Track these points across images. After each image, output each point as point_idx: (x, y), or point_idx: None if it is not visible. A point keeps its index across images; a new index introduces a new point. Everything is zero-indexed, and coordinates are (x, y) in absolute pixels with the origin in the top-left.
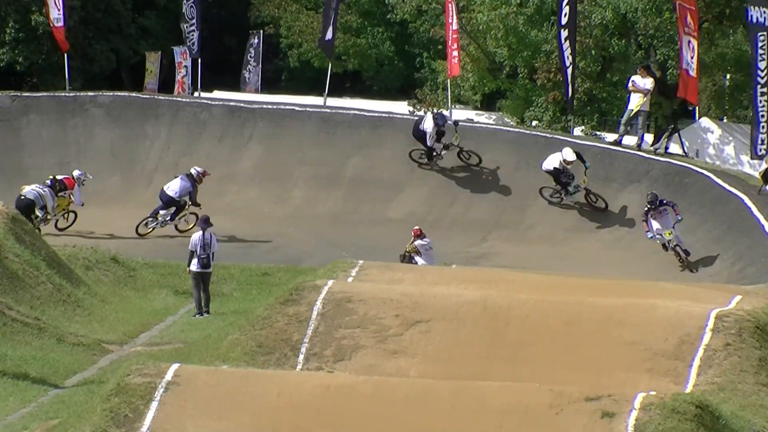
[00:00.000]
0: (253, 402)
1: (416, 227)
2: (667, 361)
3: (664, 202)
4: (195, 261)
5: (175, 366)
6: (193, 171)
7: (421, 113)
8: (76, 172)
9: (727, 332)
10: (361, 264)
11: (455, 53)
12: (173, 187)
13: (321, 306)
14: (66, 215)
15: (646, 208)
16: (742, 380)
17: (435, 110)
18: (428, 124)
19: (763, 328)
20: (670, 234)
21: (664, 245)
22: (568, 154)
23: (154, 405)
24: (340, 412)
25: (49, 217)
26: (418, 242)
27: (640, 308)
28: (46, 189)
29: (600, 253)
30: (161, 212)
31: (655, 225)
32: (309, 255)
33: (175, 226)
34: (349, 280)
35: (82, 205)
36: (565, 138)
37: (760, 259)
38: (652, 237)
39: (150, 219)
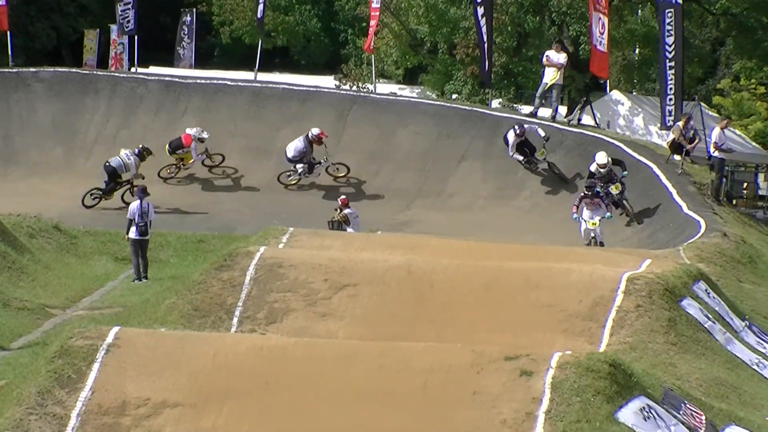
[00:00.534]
0: (190, 363)
1: (343, 197)
2: (582, 322)
3: (600, 195)
4: (133, 229)
5: (115, 329)
6: (310, 133)
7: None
8: (192, 130)
9: (638, 294)
10: (292, 231)
11: (373, 30)
12: (292, 147)
13: (254, 271)
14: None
15: (582, 194)
16: (653, 340)
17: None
18: (510, 134)
19: (672, 290)
20: (594, 225)
21: (586, 232)
22: (602, 158)
23: (95, 366)
24: (273, 373)
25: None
26: (347, 211)
27: (556, 272)
28: (131, 157)
29: (518, 220)
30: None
31: (586, 212)
32: (242, 223)
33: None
34: (281, 246)
35: (203, 162)
36: (484, 110)
37: (669, 224)
38: (576, 219)
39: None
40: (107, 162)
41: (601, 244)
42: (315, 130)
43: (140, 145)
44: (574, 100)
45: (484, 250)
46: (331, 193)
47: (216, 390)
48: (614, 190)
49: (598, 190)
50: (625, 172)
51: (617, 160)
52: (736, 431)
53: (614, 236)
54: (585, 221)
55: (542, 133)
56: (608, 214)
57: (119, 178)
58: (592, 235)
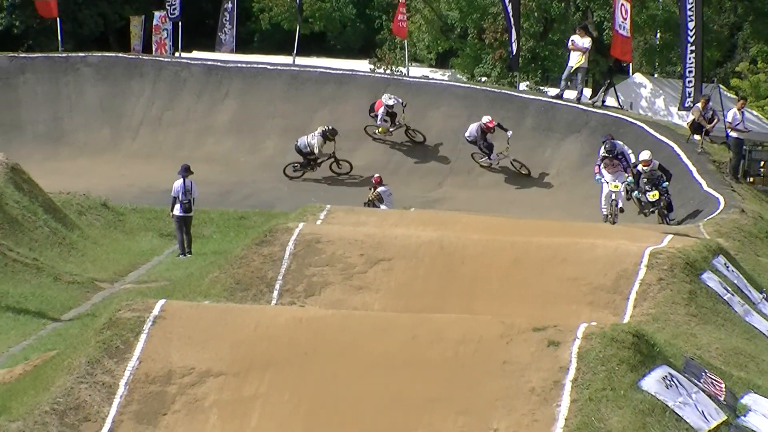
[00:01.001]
0: (232, 334)
1: (376, 175)
2: (607, 295)
3: (619, 157)
4: (177, 206)
5: (161, 302)
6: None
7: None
8: (385, 97)
9: (660, 268)
10: (329, 208)
11: (401, 17)
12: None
13: (293, 246)
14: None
15: (602, 155)
16: (674, 311)
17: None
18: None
19: (693, 264)
20: (616, 188)
21: (607, 196)
22: (645, 155)
23: (142, 337)
24: (311, 343)
25: (319, 160)
26: (380, 189)
27: (582, 247)
28: (315, 137)
29: (545, 197)
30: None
31: (607, 175)
32: (281, 200)
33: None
34: (318, 223)
35: (330, 167)
36: (511, 93)
37: (689, 201)
38: (599, 180)
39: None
40: (295, 141)
41: (621, 210)
42: (485, 118)
43: (327, 126)
44: (598, 82)
45: (512, 226)
46: (366, 172)
47: (257, 360)
48: (651, 197)
49: (618, 153)
50: (666, 183)
51: (663, 168)
52: (754, 398)
53: (636, 212)
54: (607, 183)
55: (510, 133)
56: (630, 178)
57: (311, 155)
58: (613, 197)
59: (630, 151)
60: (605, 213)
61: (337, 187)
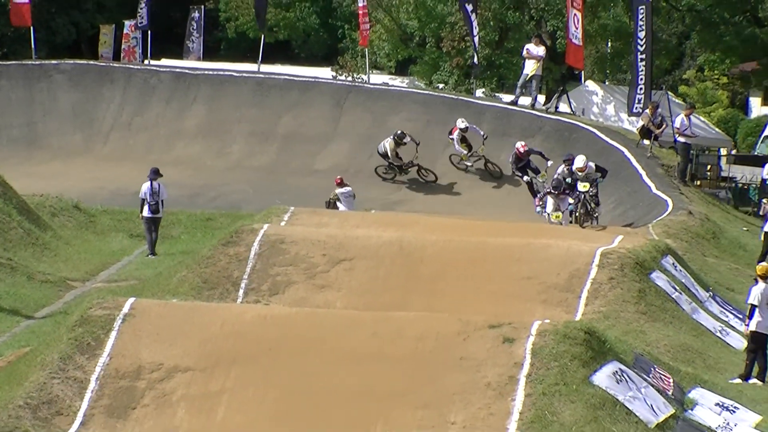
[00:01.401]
0: (200, 331)
1: (338, 177)
2: (560, 293)
3: (566, 191)
4: (146, 208)
5: (131, 300)
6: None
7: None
8: (459, 121)
9: (611, 268)
10: (293, 210)
11: (365, 26)
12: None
13: (258, 247)
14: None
15: (547, 189)
16: (624, 309)
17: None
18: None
19: (642, 264)
20: (557, 218)
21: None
22: (579, 161)
23: (113, 334)
24: (276, 340)
25: (405, 167)
26: (338, 190)
27: (536, 247)
28: (388, 141)
29: (501, 199)
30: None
31: (550, 203)
32: (247, 202)
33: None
34: (282, 224)
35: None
36: (469, 99)
37: (639, 203)
38: (540, 213)
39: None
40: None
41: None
42: (518, 144)
43: (398, 131)
44: (551, 89)
45: (470, 227)
46: (329, 175)
47: (224, 356)
48: (582, 188)
49: (565, 188)
50: (602, 179)
51: (600, 167)
52: (701, 393)
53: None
54: (549, 215)
55: (482, 132)
56: (570, 206)
57: (388, 158)
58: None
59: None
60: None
61: (301, 189)
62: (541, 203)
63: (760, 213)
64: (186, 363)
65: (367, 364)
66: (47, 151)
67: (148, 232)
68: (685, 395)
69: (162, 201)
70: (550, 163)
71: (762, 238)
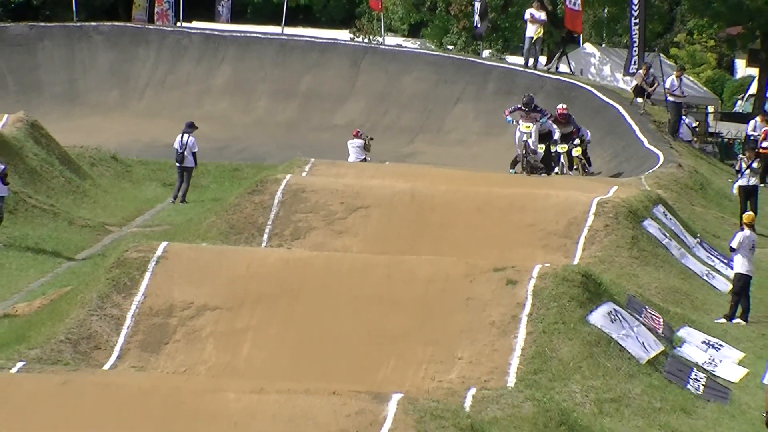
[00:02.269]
0: (227, 272)
1: (355, 130)
2: (559, 239)
3: (538, 109)
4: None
5: (164, 244)
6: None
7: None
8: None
9: (607, 216)
10: (313, 162)
11: None
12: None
13: (281, 195)
14: None
15: (517, 106)
16: (619, 254)
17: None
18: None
19: (635, 212)
20: (527, 128)
21: (520, 138)
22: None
23: (147, 275)
24: (297, 281)
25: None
26: (349, 141)
27: (537, 196)
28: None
29: (505, 152)
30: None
31: (521, 118)
32: (271, 155)
33: None
34: (304, 174)
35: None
36: (475, 60)
37: (632, 157)
38: (510, 121)
39: None
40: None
41: (534, 153)
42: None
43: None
44: (552, 51)
45: (476, 178)
46: (346, 129)
47: (249, 296)
48: (561, 149)
49: (537, 105)
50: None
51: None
52: (689, 331)
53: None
54: (519, 124)
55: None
56: (543, 119)
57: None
58: (524, 139)
59: (556, 128)
60: (517, 153)
61: (320, 143)
62: (509, 113)
63: (736, 168)
64: (214, 302)
65: (380, 305)
66: (87, 107)
67: (178, 179)
68: (674, 334)
69: (193, 153)
70: (589, 135)
71: (735, 191)
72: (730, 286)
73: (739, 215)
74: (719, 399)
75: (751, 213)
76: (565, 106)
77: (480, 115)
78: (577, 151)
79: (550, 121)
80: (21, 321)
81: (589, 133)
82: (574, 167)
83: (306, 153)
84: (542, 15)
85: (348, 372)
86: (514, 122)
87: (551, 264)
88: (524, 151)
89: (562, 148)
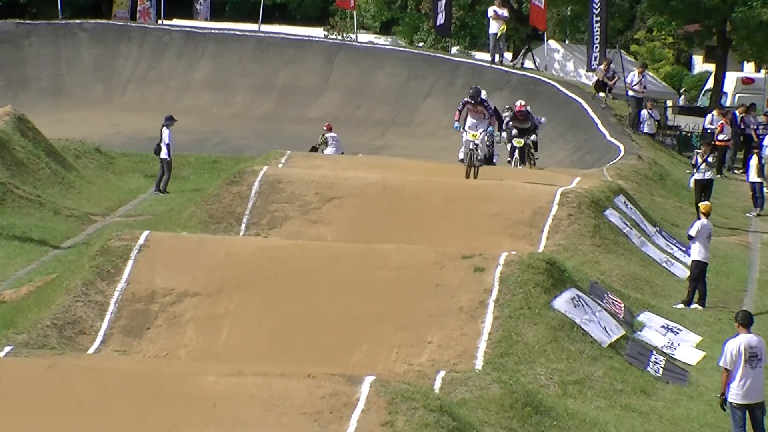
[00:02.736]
0: (206, 260)
1: (327, 123)
2: (524, 228)
3: (486, 104)
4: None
5: (146, 233)
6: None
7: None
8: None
9: (570, 206)
10: (289, 154)
11: None
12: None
13: (258, 186)
14: None
15: (465, 100)
16: (581, 242)
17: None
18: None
19: (597, 202)
20: (474, 137)
21: (466, 143)
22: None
23: (130, 263)
24: (274, 268)
25: None
26: (329, 134)
27: (504, 187)
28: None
29: None
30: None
31: (470, 121)
32: (248, 147)
33: None
34: (280, 166)
35: None
36: (444, 56)
37: (594, 149)
38: (458, 128)
39: None
40: None
41: (485, 159)
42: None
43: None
44: (518, 48)
45: (445, 169)
46: (321, 123)
47: (227, 282)
48: (517, 143)
49: (484, 99)
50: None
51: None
52: (648, 316)
53: (550, 159)
54: (466, 131)
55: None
56: (490, 128)
57: None
58: (471, 146)
59: (505, 114)
60: (462, 159)
61: (296, 135)
62: (459, 117)
63: (692, 162)
64: (194, 288)
65: (353, 291)
66: (72, 101)
67: (159, 170)
68: (634, 318)
69: (167, 145)
70: (544, 120)
71: (691, 185)
72: (688, 273)
73: (695, 206)
74: (678, 381)
75: (708, 203)
76: (523, 102)
77: (449, 108)
78: (518, 143)
79: (493, 127)
80: (8, 307)
81: (544, 119)
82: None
83: (282, 145)
84: (505, 12)
85: (323, 355)
86: (462, 130)
87: (517, 252)
88: (468, 160)
89: (518, 142)
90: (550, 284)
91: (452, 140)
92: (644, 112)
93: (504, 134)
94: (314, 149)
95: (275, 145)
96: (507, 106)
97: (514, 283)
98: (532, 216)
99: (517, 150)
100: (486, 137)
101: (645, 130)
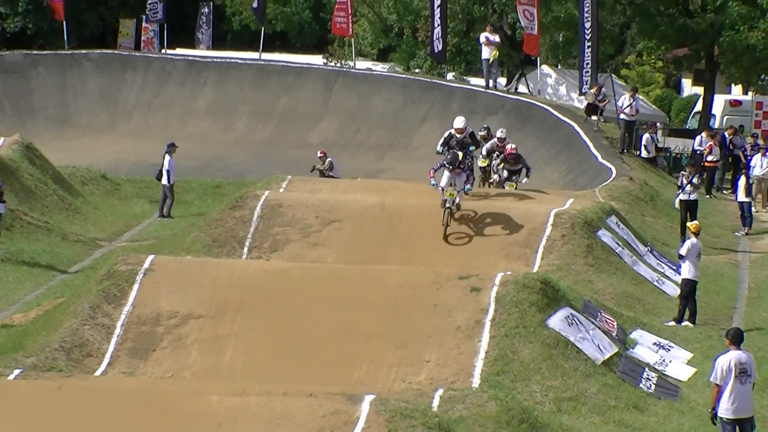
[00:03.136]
0: (210, 283)
1: (321, 150)
2: (519, 249)
3: (463, 167)
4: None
5: (151, 257)
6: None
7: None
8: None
9: (564, 226)
10: (290, 178)
11: (339, 19)
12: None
13: (260, 210)
14: None
15: (443, 162)
16: (575, 262)
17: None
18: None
19: (590, 223)
20: (450, 195)
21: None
22: (459, 122)
23: (135, 286)
24: (275, 290)
25: None
26: (330, 159)
27: (499, 208)
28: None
29: None
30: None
31: (446, 178)
32: (250, 172)
33: None
34: (281, 190)
35: None
36: (440, 82)
37: (587, 170)
38: (434, 186)
39: None
40: None
41: (458, 207)
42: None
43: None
44: (511, 73)
45: None
46: (320, 147)
47: (231, 304)
48: (482, 163)
49: (461, 163)
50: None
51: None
52: (641, 334)
53: (544, 180)
54: (443, 189)
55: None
56: (468, 186)
57: None
58: (448, 204)
59: (481, 132)
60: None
61: (297, 160)
62: (432, 175)
63: (678, 183)
64: (198, 311)
65: (353, 311)
66: (78, 129)
67: (162, 196)
68: (627, 336)
69: (168, 171)
70: (526, 180)
71: (677, 205)
72: (679, 291)
73: (680, 227)
74: (670, 397)
75: (697, 222)
76: (514, 146)
77: (445, 132)
78: (483, 162)
79: (473, 148)
80: (18, 330)
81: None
82: (490, 181)
83: (283, 170)
84: (496, 38)
85: (324, 374)
86: (438, 187)
87: (512, 272)
88: (444, 218)
89: (483, 161)
90: (544, 303)
91: None
92: (646, 135)
93: (482, 153)
94: (322, 174)
95: (276, 170)
96: (484, 126)
97: (509, 303)
98: (526, 237)
99: (482, 169)
100: (469, 160)
101: (644, 155)
